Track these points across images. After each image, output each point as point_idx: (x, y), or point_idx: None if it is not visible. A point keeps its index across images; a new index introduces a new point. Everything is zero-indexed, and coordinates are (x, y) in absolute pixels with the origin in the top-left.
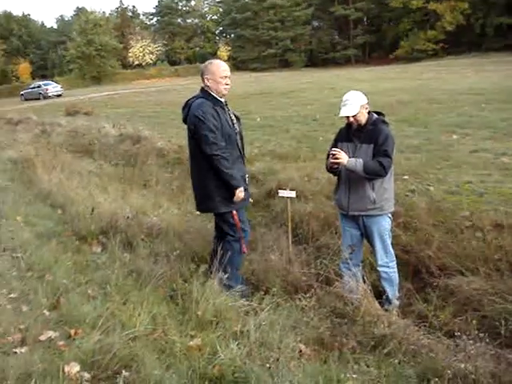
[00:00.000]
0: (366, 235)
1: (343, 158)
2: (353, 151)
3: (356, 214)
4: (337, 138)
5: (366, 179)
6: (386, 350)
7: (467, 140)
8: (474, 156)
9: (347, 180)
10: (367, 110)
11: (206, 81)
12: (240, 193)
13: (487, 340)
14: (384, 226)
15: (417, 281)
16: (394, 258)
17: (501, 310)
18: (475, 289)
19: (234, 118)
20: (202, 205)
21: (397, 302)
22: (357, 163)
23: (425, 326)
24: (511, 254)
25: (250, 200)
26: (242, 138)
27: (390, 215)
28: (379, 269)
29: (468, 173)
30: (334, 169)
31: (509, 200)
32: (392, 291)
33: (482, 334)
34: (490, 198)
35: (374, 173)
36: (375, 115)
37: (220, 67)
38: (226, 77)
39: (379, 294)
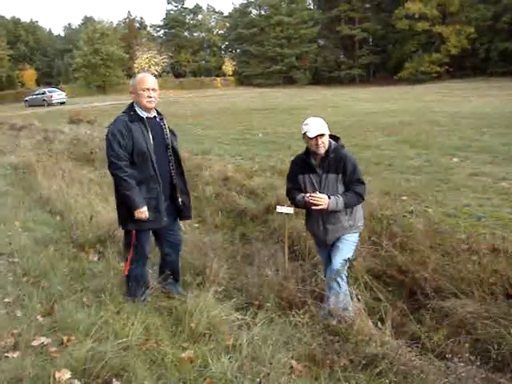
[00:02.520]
0: (333, 248)
1: (324, 203)
2: (318, 182)
3: (333, 240)
4: (295, 171)
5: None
6: (377, 370)
7: (467, 163)
8: (473, 179)
9: (320, 214)
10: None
11: (131, 94)
12: (140, 214)
13: (478, 363)
14: (354, 242)
15: (411, 302)
16: (346, 275)
17: (494, 333)
18: (469, 312)
19: (167, 132)
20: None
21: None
22: (338, 203)
23: (417, 347)
24: (506, 278)
25: (165, 220)
26: (175, 154)
27: (359, 233)
28: (333, 282)
29: (467, 196)
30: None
31: (506, 224)
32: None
33: (473, 357)
34: (487, 222)
35: (355, 205)
36: (333, 141)
37: (141, 79)
38: (148, 89)
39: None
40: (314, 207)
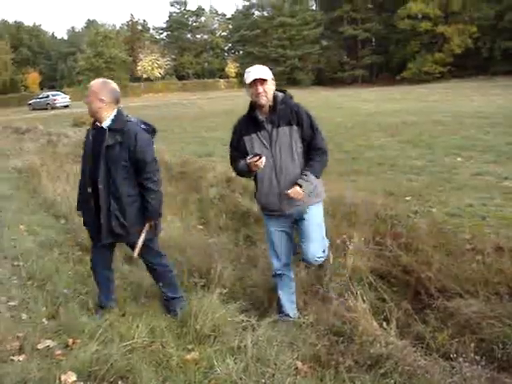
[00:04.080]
0: (300, 227)
1: (300, 192)
2: (268, 140)
3: (292, 210)
4: (239, 133)
5: (296, 170)
6: (382, 370)
7: (471, 163)
8: (476, 179)
9: (273, 177)
10: (274, 89)
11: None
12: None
13: (483, 363)
14: (321, 212)
15: (416, 302)
16: (328, 247)
17: (499, 333)
18: (474, 312)
19: (108, 141)
20: None
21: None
22: (310, 180)
23: (422, 347)
24: (511, 277)
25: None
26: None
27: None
28: (316, 260)
29: (470, 196)
30: (252, 171)
31: (510, 224)
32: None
33: (478, 357)
34: (491, 222)
35: (324, 166)
36: (280, 93)
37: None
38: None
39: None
40: (296, 197)
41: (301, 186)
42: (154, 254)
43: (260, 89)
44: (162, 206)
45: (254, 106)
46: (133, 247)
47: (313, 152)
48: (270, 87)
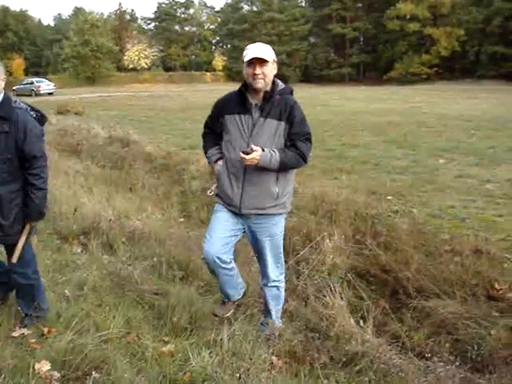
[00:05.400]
0: (255, 239)
1: (257, 156)
2: (250, 128)
3: (252, 212)
4: (221, 110)
5: (269, 171)
6: (357, 368)
7: (453, 165)
8: (459, 181)
9: (241, 171)
10: (275, 72)
11: None
12: None
13: (458, 363)
14: (280, 229)
15: (393, 301)
16: (284, 269)
17: (474, 334)
18: (451, 312)
19: None
20: None
21: (280, 323)
22: (272, 160)
23: (398, 346)
24: (488, 279)
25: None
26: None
27: (285, 215)
28: (271, 284)
29: (452, 197)
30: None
31: (490, 226)
32: (277, 310)
33: (452, 357)
34: (471, 224)
35: (292, 167)
36: (281, 82)
37: None
38: None
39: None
40: (248, 163)
41: (263, 151)
42: (23, 262)
43: (258, 70)
44: (45, 207)
45: (246, 87)
46: (11, 250)
47: (293, 147)
48: (270, 70)
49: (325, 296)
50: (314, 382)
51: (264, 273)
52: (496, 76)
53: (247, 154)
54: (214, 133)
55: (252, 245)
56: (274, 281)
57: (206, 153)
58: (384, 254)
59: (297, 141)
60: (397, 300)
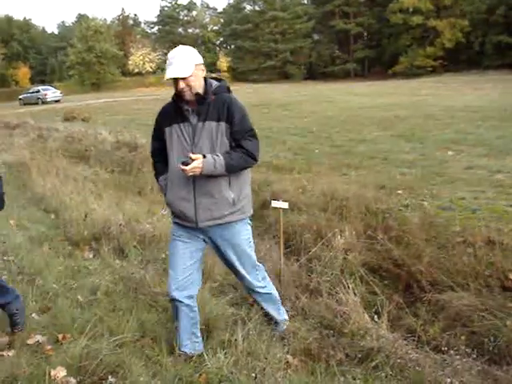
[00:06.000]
0: (221, 252)
1: (198, 165)
2: (191, 135)
3: (210, 224)
4: (161, 123)
5: (218, 176)
6: (373, 364)
7: (462, 156)
8: (468, 172)
9: (190, 180)
10: (204, 74)
11: None
12: None
13: (475, 356)
14: (245, 236)
15: (407, 295)
16: (265, 272)
17: (490, 326)
18: (465, 304)
19: None
20: None
21: (286, 318)
22: (216, 165)
23: (413, 340)
24: (502, 270)
25: None
26: None
27: (249, 220)
28: (258, 290)
29: (462, 189)
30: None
31: (501, 217)
32: (277, 310)
33: (469, 350)
34: (482, 215)
35: (242, 168)
36: (214, 81)
37: None
38: None
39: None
40: (190, 174)
41: (204, 157)
42: None
43: (181, 85)
44: None
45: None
46: None
47: (238, 148)
48: (195, 79)
49: (338, 292)
50: (330, 380)
51: (244, 283)
52: (501, 66)
53: (187, 164)
54: (162, 154)
55: (219, 257)
56: (258, 287)
57: (157, 180)
58: (396, 248)
59: (241, 139)
60: (410, 294)
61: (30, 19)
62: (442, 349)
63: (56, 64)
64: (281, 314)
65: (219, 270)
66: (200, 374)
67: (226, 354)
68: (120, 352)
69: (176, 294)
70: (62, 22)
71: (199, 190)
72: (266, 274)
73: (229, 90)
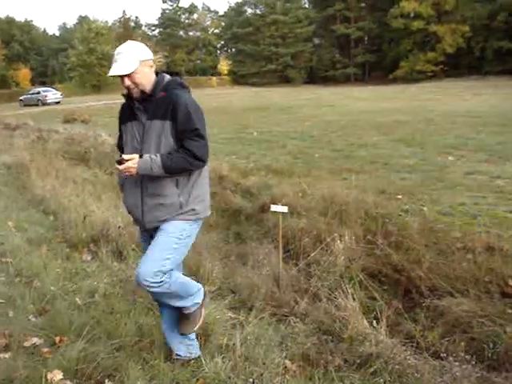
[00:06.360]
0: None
1: (133, 165)
2: (141, 134)
3: (156, 225)
4: (120, 120)
5: (165, 178)
6: (371, 369)
7: (463, 162)
8: (468, 178)
9: (138, 181)
10: (153, 70)
11: None
12: None
13: (474, 362)
14: (183, 231)
15: (406, 300)
16: (175, 278)
17: (489, 332)
18: (464, 310)
19: None
20: None
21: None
22: (153, 165)
23: (412, 346)
24: (502, 276)
25: None
26: None
27: (198, 224)
28: (147, 284)
29: (462, 194)
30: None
31: (502, 223)
32: (184, 298)
33: (468, 356)
34: (482, 221)
35: (183, 170)
36: (167, 76)
37: None
38: None
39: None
40: (125, 174)
41: (140, 157)
42: None
43: (126, 82)
44: None
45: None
46: None
47: (181, 149)
48: (142, 75)
49: (337, 297)
50: None
51: (139, 269)
52: (502, 71)
53: (121, 163)
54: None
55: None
56: (149, 281)
57: (118, 179)
58: (395, 253)
59: (185, 139)
60: (410, 299)
61: (31, 20)
62: (441, 355)
63: (57, 66)
64: (190, 301)
65: (218, 274)
66: (197, 379)
67: (223, 358)
68: (117, 355)
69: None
70: (64, 23)
71: (146, 191)
72: (165, 280)
73: (182, 86)
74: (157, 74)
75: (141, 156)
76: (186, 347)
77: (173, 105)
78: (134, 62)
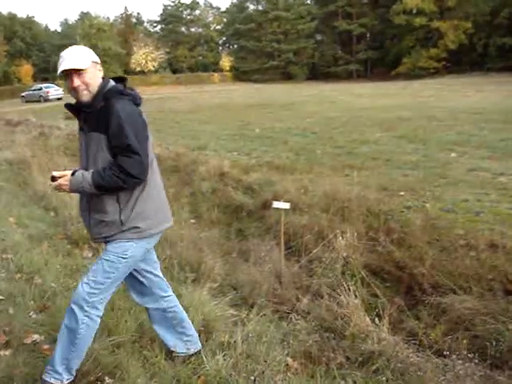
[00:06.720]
0: None
1: (64, 183)
2: (84, 145)
3: (101, 241)
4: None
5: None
6: (374, 367)
7: (465, 158)
8: (471, 175)
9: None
10: (102, 74)
11: None
12: None
13: (477, 360)
14: (120, 251)
15: (409, 298)
16: (102, 309)
17: (492, 330)
18: (467, 308)
19: None
20: None
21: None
22: (84, 183)
23: (415, 343)
24: (505, 274)
25: None
26: None
27: (145, 242)
28: (71, 305)
29: (465, 191)
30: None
31: (505, 220)
32: (64, 356)
33: (471, 355)
34: (486, 218)
35: (118, 188)
36: (111, 83)
37: None
38: None
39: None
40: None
41: (72, 175)
42: None
43: (76, 82)
44: None
45: None
46: None
47: (114, 166)
48: (93, 76)
49: (339, 295)
50: (330, 383)
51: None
52: (504, 68)
53: (54, 179)
54: None
55: None
56: (76, 302)
57: None
58: (398, 250)
59: (118, 155)
60: (412, 297)
61: (33, 17)
62: (444, 353)
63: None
64: (57, 364)
65: (219, 271)
66: (198, 376)
67: (224, 356)
68: (118, 353)
69: (139, 301)
70: (65, 19)
71: (91, 206)
72: (95, 307)
73: (122, 94)
74: (103, 79)
75: (74, 173)
76: (184, 343)
77: (107, 117)
78: (87, 60)
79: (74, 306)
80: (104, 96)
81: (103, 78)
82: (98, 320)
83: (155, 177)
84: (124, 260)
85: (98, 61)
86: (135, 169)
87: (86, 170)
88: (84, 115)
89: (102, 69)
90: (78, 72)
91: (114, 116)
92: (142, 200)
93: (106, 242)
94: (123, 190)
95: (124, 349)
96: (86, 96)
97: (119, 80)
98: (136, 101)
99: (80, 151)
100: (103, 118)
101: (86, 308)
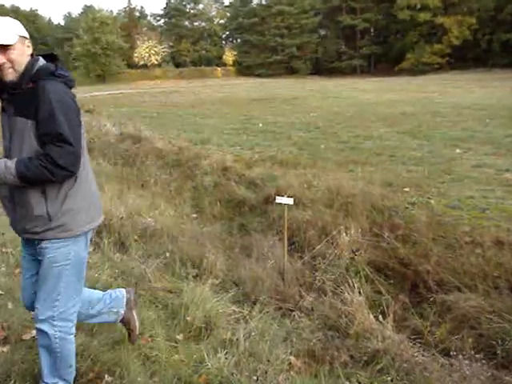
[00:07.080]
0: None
1: None
2: (8, 129)
3: (28, 236)
4: None
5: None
6: (378, 367)
7: (470, 155)
8: (476, 171)
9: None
10: (30, 51)
11: None
12: None
13: (483, 360)
14: (63, 257)
15: (413, 295)
16: (73, 319)
17: (498, 329)
18: (473, 306)
19: None
20: None
21: None
22: (6, 174)
23: (420, 342)
24: (511, 271)
25: None
26: None
27: (82, 239)
28: (37, 326)
29: (470, 188)
30: None
31: (511, 217)
32: (53, 370)
33: (478, 355)
34: (491, 214)
35: (45, 180)
36: (42, 61)
37: None
38: None
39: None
40: None
41: None
42: None
43: (1, 59)
44: None
45: None
46: None
47: (42, 155)
48: (21, 53)
49: (343, 292)
50: (334, 383)
51: (36, 308)
52: (508, 64)
53: None
54: None
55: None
56: (42, 322)
57: None
58: (402, 246)
59: (47, 144)
60: (417, 294)
61: (36, 10)
62: (450, 352)
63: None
64: (48, 378)
65: (221, 266)
66: (200, 375)
67: (226, 354)
68: (117, 350)
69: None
70: (68, 13)
71: (15, 197)
72: (69, 320)
73: (53, 74)
74: (31, 57)
75: None
76: (110, 312)
77: (37, 101)
78: (14, 35)
79: (40, 326)
80: (33, 76)
81: (32, 56)
82: (73, 330)
83: (86, 167)
84: (67, 266)
85: (27, 35)
86: (66, 160)
87: (9, 158)
88: (8, 96)
89: (30, 45)
90: (3, 48)
91: (45, 100)
92: (73, 195)
93: (37, 243)
94: (51, 184)
95: (124, 346)
96: (10, 75)
97: (50, 58)
98: (69, 83)
99: (2, 137)
100: (31, 101)
101: (55, 323)
